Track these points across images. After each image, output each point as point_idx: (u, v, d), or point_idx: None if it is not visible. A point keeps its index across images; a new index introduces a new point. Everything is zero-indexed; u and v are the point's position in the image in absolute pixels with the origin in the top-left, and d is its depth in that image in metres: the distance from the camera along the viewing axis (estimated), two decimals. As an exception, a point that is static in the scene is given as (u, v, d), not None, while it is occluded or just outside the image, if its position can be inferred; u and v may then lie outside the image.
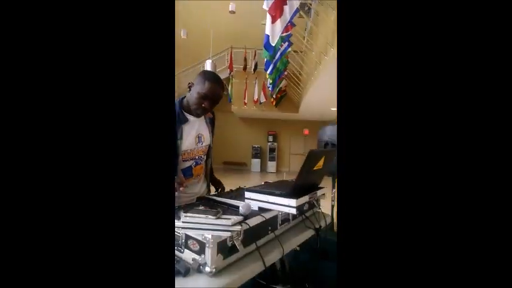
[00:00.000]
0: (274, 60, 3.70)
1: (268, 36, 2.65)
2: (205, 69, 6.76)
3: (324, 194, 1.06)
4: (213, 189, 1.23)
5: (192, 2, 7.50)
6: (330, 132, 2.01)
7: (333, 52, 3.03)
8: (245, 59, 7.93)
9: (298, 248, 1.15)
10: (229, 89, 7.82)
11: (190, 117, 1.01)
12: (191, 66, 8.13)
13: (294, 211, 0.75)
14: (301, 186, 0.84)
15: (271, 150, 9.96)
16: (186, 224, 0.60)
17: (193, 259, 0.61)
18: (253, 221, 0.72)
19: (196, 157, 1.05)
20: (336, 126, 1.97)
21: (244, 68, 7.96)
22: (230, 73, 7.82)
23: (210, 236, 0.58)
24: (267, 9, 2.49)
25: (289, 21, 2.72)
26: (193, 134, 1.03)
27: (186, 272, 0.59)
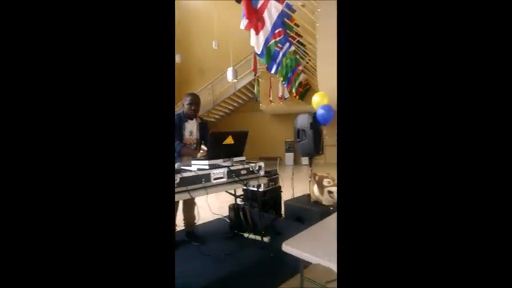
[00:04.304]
0: (277, 61, 4.13)
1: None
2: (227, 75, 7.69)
3: (257, 164, 1.57)
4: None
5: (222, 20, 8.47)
6: (301, 121, 2.43)
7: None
8: (268, 59, 8.45)
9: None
10: (256, 88, 8.46)
11: (188, 120, 1.92)
12: (217, 77, 9.22)
13: (207, 167, 1.30)
14: (216, 154, 1.39)
15: (304, 143, 10.15)
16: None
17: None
18: (186, 174, 1.30)
19: (190, 143, 1.91)
20: (305, 115, 2.38)
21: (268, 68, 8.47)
22: (255, 74, 8.47)
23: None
24: (243, 28, 2.97)
25: (276, 28, 3.15)
26: (189, 130, 1.90)
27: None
